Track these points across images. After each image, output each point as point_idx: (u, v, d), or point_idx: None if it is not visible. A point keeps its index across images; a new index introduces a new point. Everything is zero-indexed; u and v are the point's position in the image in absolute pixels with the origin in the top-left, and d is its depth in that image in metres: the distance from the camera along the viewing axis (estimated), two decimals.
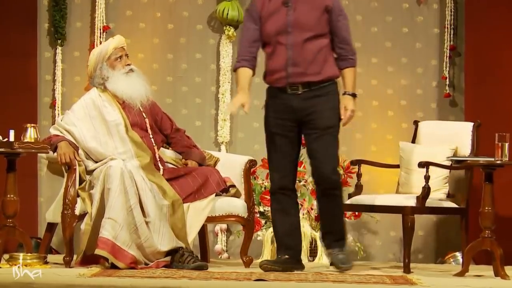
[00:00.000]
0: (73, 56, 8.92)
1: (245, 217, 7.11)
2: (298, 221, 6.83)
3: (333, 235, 6.70)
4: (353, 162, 7.71)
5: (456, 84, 8.88)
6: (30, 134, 6.86)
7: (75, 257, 6.82)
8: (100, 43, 8.49)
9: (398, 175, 7.45)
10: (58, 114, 8.69)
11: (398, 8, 8.98)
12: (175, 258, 6.75)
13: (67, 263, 6.80)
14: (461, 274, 6.70)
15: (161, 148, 7.32)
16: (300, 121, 6.61)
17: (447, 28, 8.87)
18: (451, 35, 8.86)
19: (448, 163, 7.01)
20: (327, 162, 6.63)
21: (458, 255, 7.98)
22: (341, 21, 6.61)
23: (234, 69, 6.70)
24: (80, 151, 6.96)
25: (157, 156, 7.17)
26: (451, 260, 8.17)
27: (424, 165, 6.94)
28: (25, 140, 6.82)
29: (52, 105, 8.89)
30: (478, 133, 7.31)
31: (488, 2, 8.45)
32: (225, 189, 7.12)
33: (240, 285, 5.86)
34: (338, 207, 6.76)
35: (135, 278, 6.06)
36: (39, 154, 7.73)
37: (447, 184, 7.24)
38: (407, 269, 6.88)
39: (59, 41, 8.89)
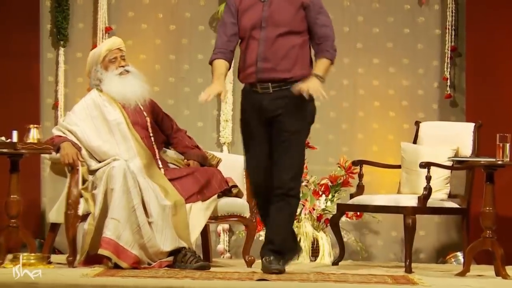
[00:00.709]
0: (76, 57, 8.94)
1: (247, 217, 7.13)
2: (281, 216, 6.51)
3: (273, 245, 6.46)
4: (355, 163, 7.73)
5: (457, 85, 8.90)
6: (33, 135, 6.89)
7: (78, 257, 6.82)
8: None
9: (400, 176, 7.47)
10: (61, 115, 8.72)
11: (399, 9, 9.00)
12: (178, 258, 6.76)
13: (70, 263, 6.80)
14: (462, 274, 6.71)
15: (163, 149, 7.34)
16: (269, 121, 6.46)
17: (448, 29, 8.88)
18: (452, 36, 8.88)
19: (449, 163, 7.02)
20: (288, 169, 6.43)
21: (460, 255, 8.00)
22: (320, 18, 6.44)
23: (210, 62, 6.52)
24: (83, 151, 6.97)
25: (157, 155, 7.19)
26: (453, 260, 8.18)
27: (426, 165, 6.95)
28: (28, 141, 6.84)
29: (55, 106, 8.91)
30: (479, 134, 7.32)
31: (488, 3, 8.46)
32: (227, 190, 7.14)
33: (242, 285, 5.87)
34: (288, 217, 6.53)
35: (138, 278, 6.07)
36: (42, 155, 7.73)
37: (448, 185, 7.26)
38: (408, 269, 6.90)
39: (61, 42, 8.92)
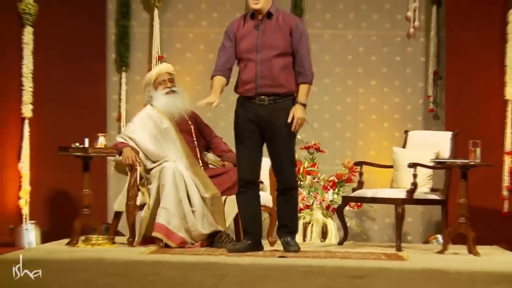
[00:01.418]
0: (135, 80, 8.95)
1: (271, 206, 7.09)
2: (258, 211, 6.50)
3: (287, 228, 6.41)
4: (356, 164, 7.71)
5: (438, 102, 8.87)
6: (101, 141, 6.92)
7: (136, 238, 6.85)
8: None
9: (392, 174, 7.44)
10: (123, 125, 8.73)
11: (392, 41, 8.97)
12: (215, 239, 6.77)
13: (130, 243, 6.83)
14: (441, 252, 6.69)
15: (204, 152, 7.34)
16: (263, 128, 6.31)
17: (431, 57, 8.85)
18: (434, 63, 8.85)
19: (431, 164, 6.99)
20: (285, 166, 6.33)
21: (439, 237, 7.97)
22: (301, 42, 6.30)
23: (211, 77, 6.38)
24: (141, 154, 6.98)
25: (199, 156, 7.18)
26: (434, 241, 8.16)
27: (413, 165, 6.93)
28: (97, 146, 6.88)
29: (118, 118, 8.93)
30: (456, 141, 7.29)
31: (465, 35, 8.43)
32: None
33: (266, 261, 5.84)
34: (294, 205, 6.47)
35: (184, 255, 6.07)
36: (108, 157, 7.75)
37: (431, 181, 7.23)
38: (398, 248, 6.87)
39: (123, 68, 8.94)
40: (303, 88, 6.28)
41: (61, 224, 7.91)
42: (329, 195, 8.44)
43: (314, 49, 8.93)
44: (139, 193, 6.89)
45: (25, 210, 7.89)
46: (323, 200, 8.38)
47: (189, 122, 7.26)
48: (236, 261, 5.79)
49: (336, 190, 8.47)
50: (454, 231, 6.69)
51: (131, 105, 8.91)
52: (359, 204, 8.30)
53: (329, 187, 8.48)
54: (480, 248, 6.66)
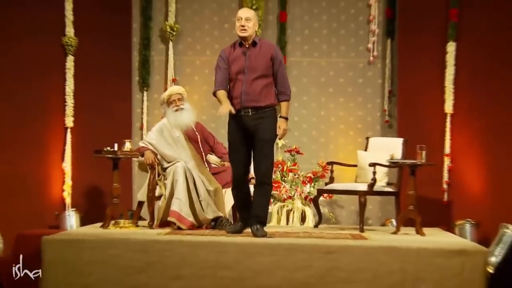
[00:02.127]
0: (154, 97, 8.93)
1: None
2: (249, 200, 6.30)
3: (258, 217, 6.16)
4: (328, 163, 7.66)
5: (392, 114, 8.85)
6: (127, 146, 6.90)
7: (155, 222, 6.83)
8: None
9: (356, 171, 7.44)
10: (144, 133, 8.70)
11: (356, 67, 8.96)
12: (217, 223, 6.76)
13: (150, 226, 6.81)
14: (395, 232, 6.69)
15: (208, 154, 7.34)
16: (249, 134, 6.15)
17: (387, 79, 8.85)
18: (389, 84, 8.85)
19: (387, 163, 6.99)
20: (264, 164, 6.13)
21: (393, 221, 7.94)
22: (280, 67, 6.16)
23: (214, 93, 6.20)
24: (158, 156, 6.97)
25: (204, 158, 7.18)
26: (389, 224, 8.13)
27: (373, 165, 6.92)
28: (124, 150, 6.86)
29: (141, 128, 8.90)
30: (406, 145, 7.28)
31: (413, 62, 8.42)
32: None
33: (257, 240, 5.84)
34: (266, 198, 6.21)
35: (192, 236, 6.08)
36: (133, 159, 7.73)
37: (387, 177, 7.21)
38: (361, 230, 6.82)
39: (145, 88, 8.92)
40: (284, 105, 6.21)
41: (95, 211, 7.91)
42: (307, 188, 8.43)
43: (295, 73, 8.96)
44: (157, 187, 6.88)
45: (68, 200, 7.88)
46: (302, 192, 8.37)
47: (196, 131, 7.25)
48: (234, 240, 5.82)
49: (313, 184, 8.45)
50: (404, 216, 6.69)
51: (151, 117, 8.89)
52: (330, 195, 8.29)
53: (307, 182, 8.47)
54: (425, 230, 6.66)
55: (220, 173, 7.06)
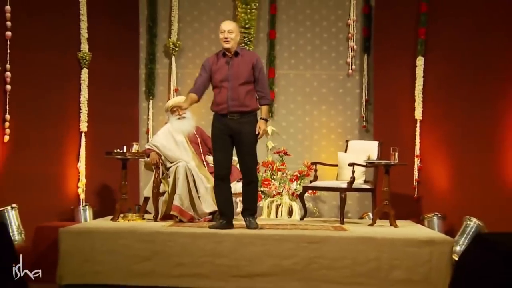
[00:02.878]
0: (158, 105, 8.88)
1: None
2: (230, 197, 6.15)
3: (250, 210, 6.08)
4: (312, 163, 7.67)
5: (369, 120, 8.85)
6: (135, 148, 6.89)
7: (159, 215, 6.79)
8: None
9: (337, 170, 7.43)
10: (150, 137, 8.67)
11: (337, 79, 8.95)
12: (214, 216, 6.73)
13: (155, 219, 6.77)
14: (372, 225, 6.68)
15: (207, 155, 7.30)
16: (233, 136, 5.97)
17: (364, 89, 8.85)
18: (366, 93, 8.84)
19: (365, 163, 6.99)
20: (249, 163, 6.00)
21: (370, 214, 7.95)
22: (260, 74, 5.99)
23: (187, 93, 6.08)
24: (162, 157, 6.93)
25: (203, 159, 7.14)
26: (366, 217, 8.14)
27: (352, 165, 6.91)
28: (132, 151, 6.84)
29: (147, 132, 8.86)
30: (381, 147, 7.28)
31: (387, 74, 8.45)
32: (241, 178, 7.04)
33: (250, 231, 5.82)
34: (254, 193, 6.09)
35: (192, 227, 6.05)
36: (140, 159, 7.70)
37: (364, 175, 7.21)
38: (342, 222, 6.84)
39: (150, 97, 8.88)
40: (265, 108, 6.05)
41: (106, 205, 7.87)
42: (294, 185, 8.41)
43: (283, 84, 8.93)
44: (161, 184, 6.84)
45: (82, 196, 7.83)
46: (290, 189, 8.35)
47: (196, 135, 7.23)
48: (229, 232, 5.78)
49: (299, 182, 8.44)
50: (380, 210, 6.68)
51: (156, 123, 8.83)
52: (314, 191, 8.28)
53: (293, 180, 8.45)
54: (398, 222, 6.66)
55: None
